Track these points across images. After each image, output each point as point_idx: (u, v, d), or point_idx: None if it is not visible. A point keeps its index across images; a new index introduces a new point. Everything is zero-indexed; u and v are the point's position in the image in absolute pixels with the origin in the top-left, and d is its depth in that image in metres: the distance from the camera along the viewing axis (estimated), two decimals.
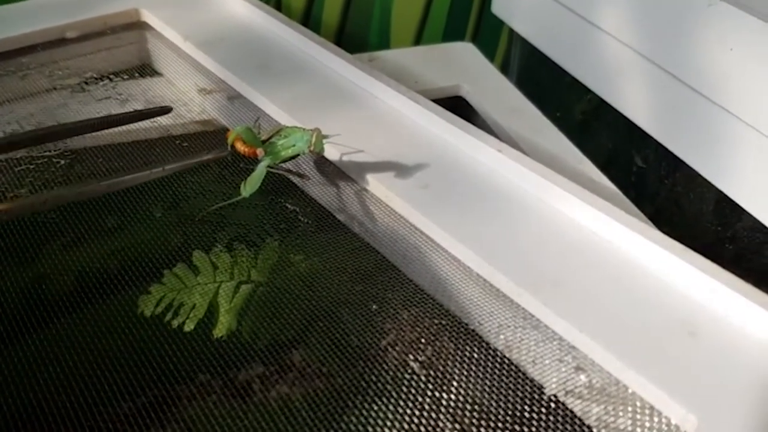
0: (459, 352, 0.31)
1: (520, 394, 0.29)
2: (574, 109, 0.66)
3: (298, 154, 0.38)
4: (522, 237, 0.36)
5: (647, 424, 0.28)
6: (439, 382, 0.30)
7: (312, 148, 0.37)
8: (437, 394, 0.29)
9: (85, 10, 0.55)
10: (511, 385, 0.30)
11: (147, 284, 0.34)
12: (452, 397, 0.29)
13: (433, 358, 0.31)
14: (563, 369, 0.30)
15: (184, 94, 0.49)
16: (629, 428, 0.28)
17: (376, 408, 0.29)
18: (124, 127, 0.45)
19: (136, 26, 0.56)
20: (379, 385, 0.30)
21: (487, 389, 0.30)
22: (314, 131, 0.37)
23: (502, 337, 0.32)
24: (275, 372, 0.30)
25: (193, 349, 0.31)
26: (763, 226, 0.44)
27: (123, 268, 0.35)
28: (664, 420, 0.28)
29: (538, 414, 0.29)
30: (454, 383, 0.30)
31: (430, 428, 0.28)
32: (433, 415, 0.28)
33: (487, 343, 0.32)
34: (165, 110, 0.47)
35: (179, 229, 0.38)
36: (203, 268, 0.35)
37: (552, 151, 0.51)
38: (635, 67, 0.52)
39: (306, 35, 0.52)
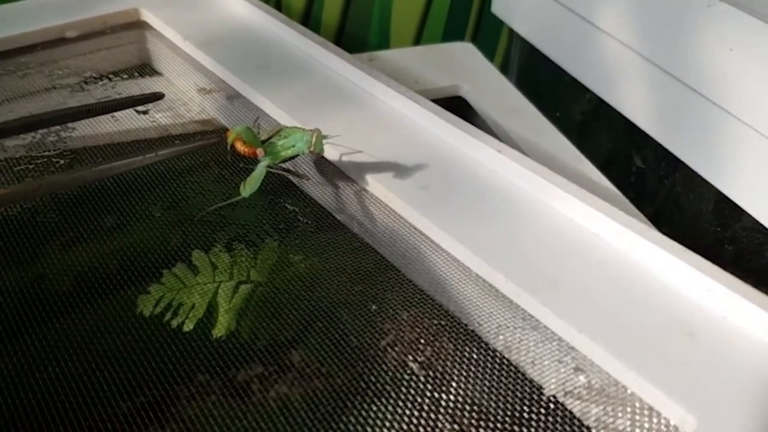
0: (458, 353, 0.31)
1: (519, 395, 0.29)
2: (574, 109, 0.66)
3: (298, 155, 0.38)
4: (521, 237, 0.36)
5: (646, 425, 0.28)
6: (439, 382, 0.30)
7: (312, 149, 0.37)
8: (436, 394, 0.29)
9: (85, 10, 0.55)
10: (510, 386, 0.30)
11: (146, 284, 0.34)
12: (451, 397, 0.29)
13: (433, 359, 0.31)
14: (562, 370, 0.30)
15: (184, 93, 0.49)
16: (628, 429, 0.28)
17: (375, 408, 0.29)
18: (123, 127, 0.45)
19: (136, 26, 0.56)
20: (379, 385, 0.30)
21: (486, 390, 0.30)
22: (314, 131, 0.37)
23: (501, 337, 0.32)
24: (274, 372, 0.30)
25: (192, 349, 0.31)
26: (763, 226, 0.44)
27: (122, 268, 0.35)
28: (663, 421, 0.28)
29: (537, 415, 0.29)
30: (454, 384, 0.30)
31: (429, 429, 0.28)
32: (432, 415, 0.28)
33: (487, 344, 0.32)
34: (157, 96, 0.47)
35: (178, 229, 0.38)
36: (202, 267, 0.35)
37: (551, 152, 0.51)
38: (635, 67, 0.52)
39: (306, 35, 0.52)
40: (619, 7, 0.52)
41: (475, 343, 0.32)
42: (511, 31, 0.74)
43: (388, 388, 0.29)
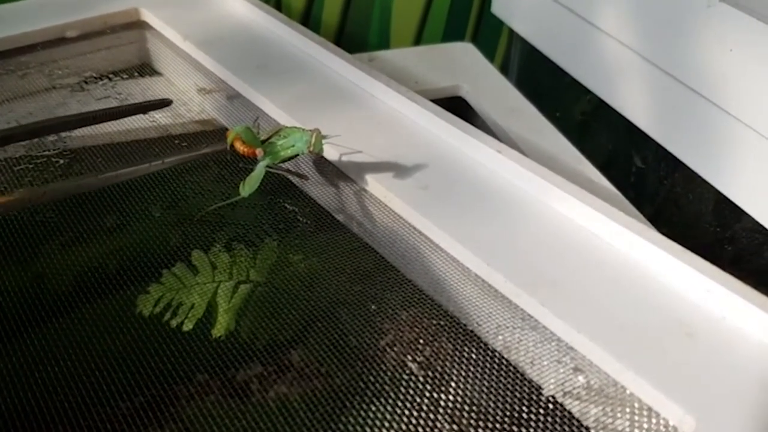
0: (457, 353, 0.31)
1: (519, 395, 0.29)
2: (574, 109, 0.66)
3: (298, 155, 0.38)
4: (521, 238, 0.36)
5: (645, 425, 0.28)
6: (438, 382, 0.30)
7: (311, 149, 0.37)
8: (435, 394, 0.29)
9: (85, 10, 0.55)
10: (509, 386, 0.30)
11: (146, 284, 0.34)
12: (450, 397, 0.29)
13: (432, 359, 0.31)
14: (561, 370, 0.30)
15: (184, 93, 0.49)
16: (627, 429, 0.28)
17: (374, 408, 0.29)
18: (123, 127, 0.45)
19: (136, 26, 0.56)
20: (378, 385, 0.30)
21: (486, 390, 0.30)
22: (314, 131, 0.37)
23: (500, 337, 0.32)
24: (274, 372, 0.30)
25: (192, 349, 0.31)
26: (762, 227, 0.44)
27: (122, 268, 0.35)
28: (662, 421, 0.28)
29: (536, 415, 0.29)
30: (453, 384, 0.30)
31: (428, 429, 0.28)
32: (432, 415, 0.28)
33: (486, 344, 0.32)
34: (165, 103, 0.47)
35: (178, 229, 0.38)
36: (202, 267, 0.35)
37: (551, 152, 0.51)
38: (634, 67, 0.52)
39: (306, 35, 0.52)
40: (619, 7, 0.52)
41: (474, 343, 0.32)
42: (511, 32, 0.74)
43: (387, 388, 0.29)
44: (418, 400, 0.29)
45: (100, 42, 0.54)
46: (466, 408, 0.29)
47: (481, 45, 0.65)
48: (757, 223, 0.44)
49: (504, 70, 0.73)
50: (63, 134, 0.44)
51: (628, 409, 0.29)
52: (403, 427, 0.28)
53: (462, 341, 0.32)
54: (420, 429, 0.28)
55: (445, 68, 0.60)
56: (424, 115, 0.45)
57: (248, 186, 0.36)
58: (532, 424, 0.28)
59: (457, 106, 0.57)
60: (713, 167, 0.47)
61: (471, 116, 0.56)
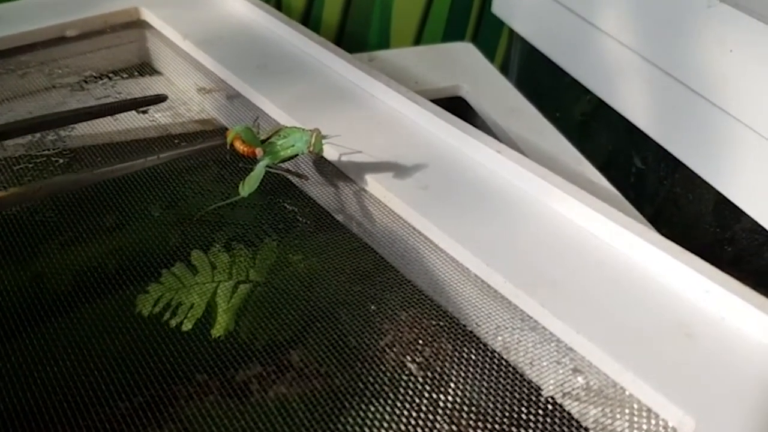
0: (457, 353, 0.31)
1: (518, 396, 0.29)
2: (574, 109, 0.66)
3: (297, 154, 0.38)
4: (520, 238, 0.36)
5: (644, 427, 0.28)
6: (437, 383, 0.30)
7: (311, 149, 0.37)
8: (435, 395, 0.29)
9: (85, 9, 0.55)
10: (508, 387, 0.30)
11: (145, 283, 0.34)
12: (450, 398, 0.29)
13: (431, 359, 0.31)
14: (561, 371, 0.30)
15: (184, 93, 0.49)
16: (626, 430, 0.28)
17: (373, 408, 0.29)
18: (123, 126, 0.45)
19: (136, 25, 0.56)
20: (377, 385, 0.30)
21: (485, 391, 0.30)
22: (313, 131, 0.37)
23: (499, 338, 0.32)
24: (273, 372, 0.30)
25: (191, 349, 0.31)
26: (762, 227, 0.44)
27: (121, 268, 0.35)
28: (661, 422, 0.28)
29: (535, 416, 0.29)
30: (452, 384, 0.30)
31: (427, 429, 0.28)
32: (431, 416, 0.28)
33: (485, 345, 0.32)
34: (160, 98, 0.47)
35: (178, 229, 0.38)
36: (201, 267, 0.35)
37: (551, 152, 0.51)
38: (635, 68, 0.52)
39: (306, 35, 0.52)
40: (619, 8, 0.52)
41: (473, 344, 0.32)
42: (512, 32, 0.74)
43: (386, 388, 0.29)
44: (418, 400, 0.29)
45: (100, 41, 0.54)
46: (466, 409, 0.29)
47: (481, 45, 0.65)
48: (756, 223, 0.44)
49: (504, 70, 0.73)
50: (63, 134, 0.44)
51: (627, 410, 0.29)
52: (403, 427, 0.28)
53: (461, 342, 0.32)
54: (419, 429, 0.28)
55: (445, 68, 0.60)
56: (424, 116, 0.45)
57: (248, 186, 0.36)
58: (531, 424, 0.28)
59: (457, 106, 0.57)
60: (713, 168, 0.47)
61: (471, 116, 0.56)
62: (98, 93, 0.48)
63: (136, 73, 0.51)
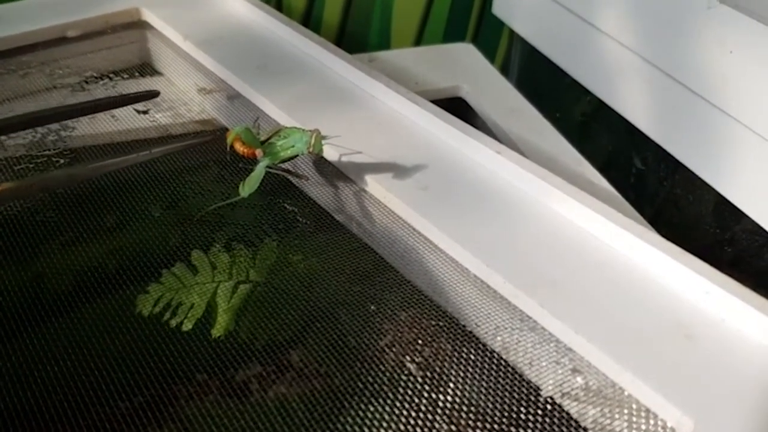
0: (456, 354, 0.31)
1: (517, 396, 0.29)
2: (574, 110, 0.66)
3: (297, 155, 0.38)
4: (520, 239, 0.36)
5: (643, 427, 0.28)
6: (436, 383, 0.30)
7: (311, 149, 0.37)
8: (434, 395, 0.29)
9: (86, 9, 0.55)
10: (507, 387, 0.30)
11: (145, 283, 0.34)
12: (449, 398, 0.29)
13: (431, 359, 0.31)
14: (560, 371, 0.31)
15: (184, 93, 0.49)
16: (625, 430, 0.28)
17: (373, 408, 0.29)
18: (123, 126, 0.45)
19: (137, 25, 0.56)
20: (377, 385, 0.30)
21: (484, 391, 0.30)
22: (313, 132, 0.37)
23: (499, 338, 0.32)
24: (273, 372, 0.30)
25: (191, 349, 0.31)
26: (762, 228, 0.44)
27: (121, 268, 0.35)
28: (660, 423, 0.28)
29: (534, 416, 0.29)
30: (451, 384, 0.30)
31: (426, 429, 0.28)
32: (430, 416, 0.28)
33: (484, 345, 0.32)
34: (152, 94, 0.47)
35: (178, 229, 0.38)
36: (201, 267, 0.35)
37: (551, 153, 0.51)
38: (635, 68, 0.52)
39: (306, 35, 0.52)
40: (619, 8, 0.52)
41: (473, 344, 0.32)
42: (512, 32, 0.74)
43: (386, 388, 0.29)
44: (417, 400, 0.29)
45: (101, 42, 0.54)
46: (465, 409, 0.29)
47: (481, 45, 0.65)
48: (756, 224, 0.44)
49: (504, 70, 0.73)
50: (63, 134, 0.44)
51: (626, 411, 0.29)
52: (402, 427, 0.28)
53: (461, 342, 0.32)
54: (418, 429, 0.28)
55: (446, 69, 0.60)
56: (424, 116, 0.45)
57: (248, 186, 0.36)
58: (530, 424, 0.28)
59: (458, 107, 0.57)
60: (713, 169, 0.47)
61: (471, 117, 0.56)
62: (99, 93, 0.48)
63: (136, 74, 0.51)
